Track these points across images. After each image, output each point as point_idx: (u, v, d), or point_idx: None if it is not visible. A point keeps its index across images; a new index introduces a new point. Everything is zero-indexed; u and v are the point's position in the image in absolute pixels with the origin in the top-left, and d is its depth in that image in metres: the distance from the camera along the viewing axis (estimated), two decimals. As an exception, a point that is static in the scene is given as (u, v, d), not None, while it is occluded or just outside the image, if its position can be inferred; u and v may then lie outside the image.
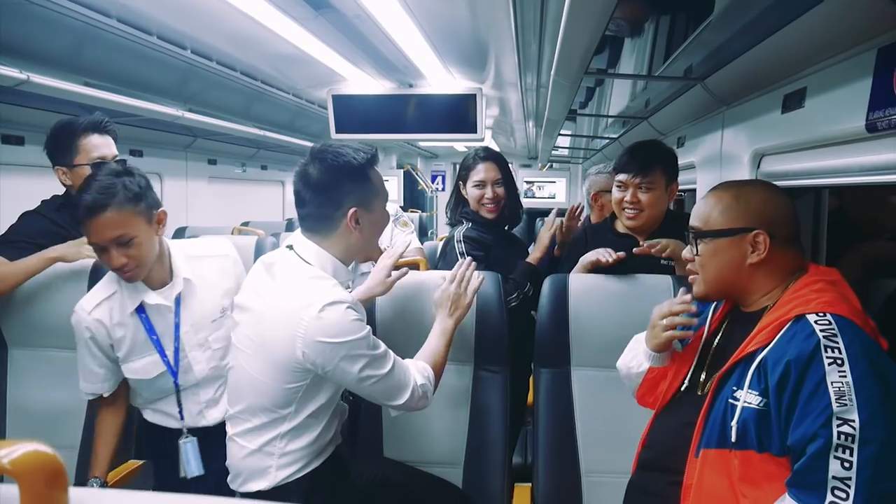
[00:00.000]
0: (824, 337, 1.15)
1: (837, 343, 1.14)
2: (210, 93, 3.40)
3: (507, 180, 2.54)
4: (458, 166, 2.75)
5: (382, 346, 1.63)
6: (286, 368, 1.58)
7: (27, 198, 2.36)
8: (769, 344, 1.24)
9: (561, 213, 2.64)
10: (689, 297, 1.48)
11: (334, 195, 1.67)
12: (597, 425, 1.97)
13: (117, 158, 2.25)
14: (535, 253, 2.47)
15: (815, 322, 1.18)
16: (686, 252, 1.47)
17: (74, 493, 0.46)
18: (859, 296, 1.29)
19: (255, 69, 3.29)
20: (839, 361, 1.12)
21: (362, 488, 1.83)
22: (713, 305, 1.54)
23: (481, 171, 2.48)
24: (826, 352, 1.13)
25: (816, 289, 1.27)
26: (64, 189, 2.29)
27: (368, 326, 1.62)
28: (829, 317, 1.18)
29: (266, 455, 1.65)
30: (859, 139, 1.36)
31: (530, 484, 2.00)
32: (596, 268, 2.12)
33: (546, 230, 2.51)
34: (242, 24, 2.38)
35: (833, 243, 2.15)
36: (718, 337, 1.47)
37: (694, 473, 1.33)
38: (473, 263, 1.95)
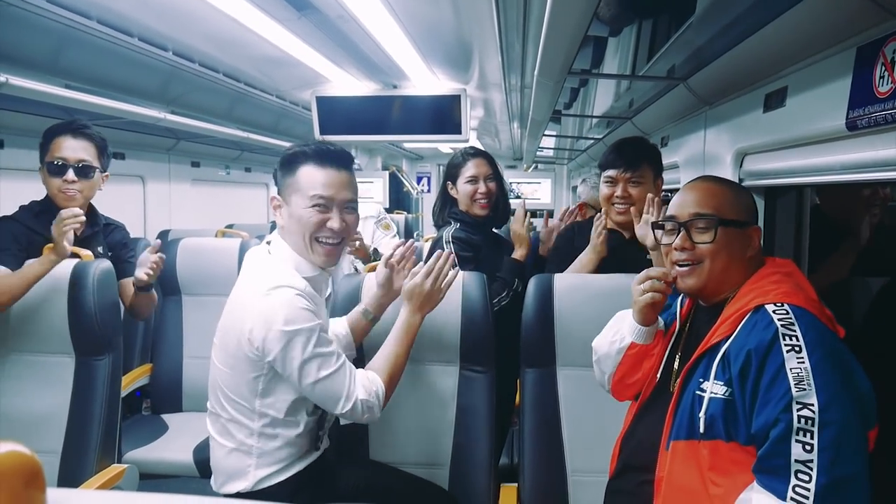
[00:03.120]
0: (782, 325, 1.18)
1: (795, 331, 1.17)
2: (192, 95, 3.37)
3: (498, 176, 2.55)
4: (443, 168, 2.72)
5: (331, 347, 1.61)
6: (242, 357, 1.59)
7: (8, 201, 2.34)
8: (731, 335, 1.27)
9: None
10: (665, 269, 1.45)
11: (277, 181, 1.75)
12: (583, 425, 1.97)
13: (82, 164, 2.22)
14: (519, 250, 2.47)
15: (774, 312, 1.22)
16: (679, 240, 1.40)
17: (52, 493, 0.45)
18: (845, 293, 1.31)
19: (238, 71, 3.27)
20: (797, 348, 1.15)
21: (347, 492, 1.82)
22: (679, 299, 1.55)
23: (472, 167, 2.49)
24: (784, 339, 1.16)
25: (774, 280, 1.31)
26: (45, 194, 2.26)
27: (320, 321, 1.60)
28: (786, 306, 1.22)
29: (244, 454, 1.65)
30: (840, 137, 1.38)
31: (516, 484, 2.00)
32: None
33: (518, 224, 2.49)
34: (224, 26, 2.36)
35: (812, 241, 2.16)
36: (686, 331, 1.49)
37: (665, 466, 1.34)
38: (452, 256, 1.88)
